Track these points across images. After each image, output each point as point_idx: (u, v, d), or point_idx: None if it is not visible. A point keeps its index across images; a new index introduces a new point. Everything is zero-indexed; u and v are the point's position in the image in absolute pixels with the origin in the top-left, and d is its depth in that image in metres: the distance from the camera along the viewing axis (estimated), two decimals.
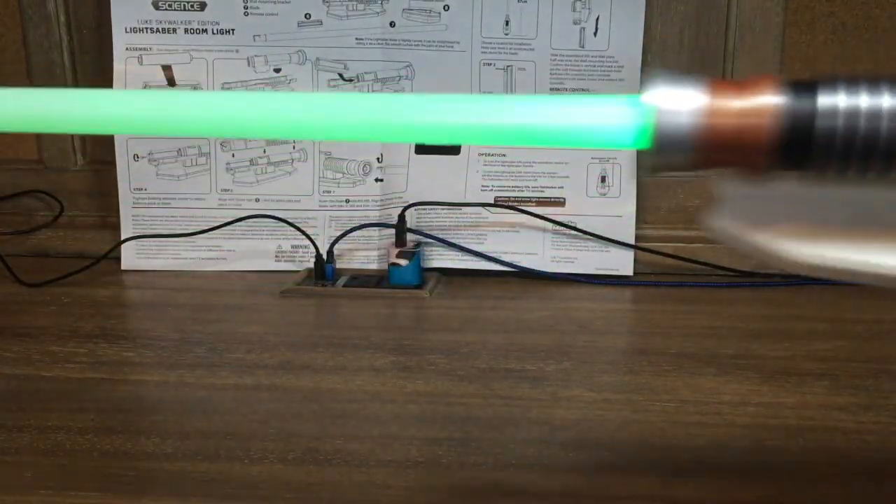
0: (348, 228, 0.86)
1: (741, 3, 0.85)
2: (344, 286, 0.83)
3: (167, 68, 0.89)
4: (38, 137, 0.96)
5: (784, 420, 0.54)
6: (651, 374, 0.62)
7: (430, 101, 0.36)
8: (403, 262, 0.82)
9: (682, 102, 0.29)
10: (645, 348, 0.67)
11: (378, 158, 0.89)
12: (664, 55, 0.87)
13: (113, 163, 0.91)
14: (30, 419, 0.56)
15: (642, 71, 0.86)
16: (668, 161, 0.29)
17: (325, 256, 0.84)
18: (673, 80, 0.29)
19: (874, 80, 0.28)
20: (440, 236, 0.87)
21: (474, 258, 0.87)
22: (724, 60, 0.86)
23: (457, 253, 0.87)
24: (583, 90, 0.87)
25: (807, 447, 0.50)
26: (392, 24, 0.87)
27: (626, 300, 0.80)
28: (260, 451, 0.51)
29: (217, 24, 0.88)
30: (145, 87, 0.89)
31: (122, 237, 0.91)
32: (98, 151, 0.96)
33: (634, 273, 0.85)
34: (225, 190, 0.90)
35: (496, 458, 0.50)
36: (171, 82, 0.89)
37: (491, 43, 0.87)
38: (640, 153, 0.30)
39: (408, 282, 0.82)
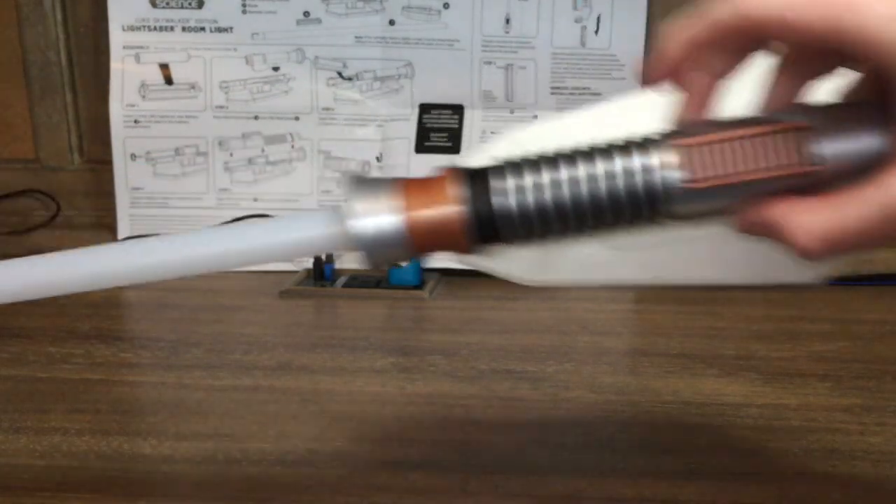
0: None
1: None
2: (343, 286, 0.82)
3: (165, 67, 0.89)
4: (35, 136, 0.96)
5: (787, 422, 0.53)
6: (653, 376, 0.61)
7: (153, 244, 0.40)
8: (403, 262, 0.82)
9: (381, 207, 0.33)
10: (647, 349, 0.67)
11: (377, 158, 0.89)
12: None
13: (110, 162, 0.90)
14: (26, 421, 0.55)
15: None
16: (387, 256, 0.34)
17: (324, 256, 0.84)
18: (372, 187, 0.33)
19: (535, 161, 0.33)
20: None
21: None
22: None
23: None
24: (584, 89, 0.86)
25: (809, 448, 0.50)
26: (392, 23, 0.87)
27: (627, 301, 0.80)
28: (258, 453, 0.51)
29: (215, 22, 0.88)
30: (143, 85, 0.89)
31: (120, 237, 0.90)
32: (95, 150, 0.95)
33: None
34: (223, 189, 0.90)
35: (497, 460, 0.49)
36: (169, 81, 0.89)
37: (491, 41, 0.86)
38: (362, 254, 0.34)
39: (408, 282, 0.82)
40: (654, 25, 0.86)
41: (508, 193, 0.32)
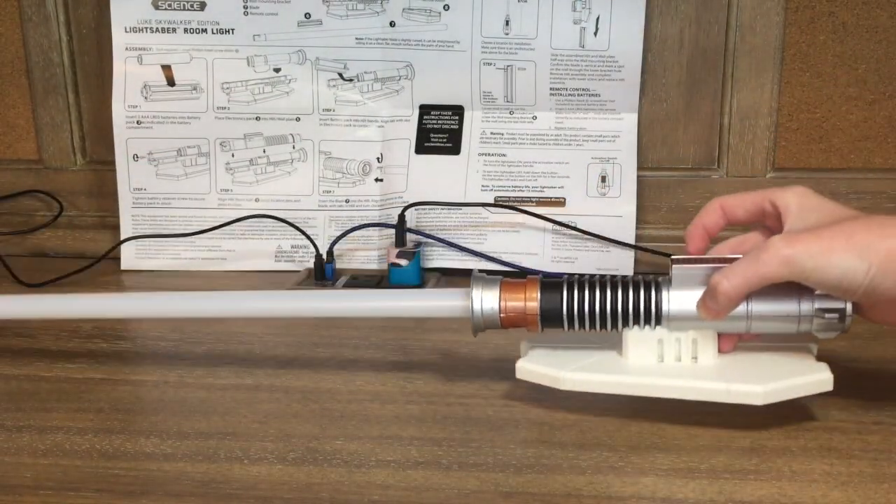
0: (348, 228, 0.86)
1: (741, 3, 0.85)
2: (344, 286, 0.83)
3: (167, 68, 0.89)
4: (38, 137, 0.96)
5: (785, 420, 0.54)
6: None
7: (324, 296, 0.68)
8: (403, 262, 0.82)
9: (489, 296, 0.55)
10: None
11: (378, 158, 0.89)
12: (664, 55, 0.87)
13: (112, 163, 0.91)
14: (29, 419, 0.56)
15: (643, 71, 0.86)
16: (489, 324, 0.56)
17: (324, 256, 0.84)
18: (486, 281, 0.56)
19: (587, 280, 0.55)
20: (440, 236, 0.87)
21: (474, 258, 0.87)
22: (724, 60, 0.86)
23: (457, 253, 0.87)
24: (583, 90, 0.87)
25: (807, 447, 0.50)
26: (392, 24, 0.87)
27: None
28: (259, 452, 0.51)
29: (217, 23, 0.88)
30: (145, 86, 0.89)
31: (122, 237, 0.91)
32: (98, 151, 0.96)
33: (635, 273, 0.85)
34: (224, 190, 0.90)
35: (496, 459, 0.50)
36: (171, 82, 0.89)
37: (491, 43, 0.87)
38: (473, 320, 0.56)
39: (408, 282, 0.82)
40: (652, 27, 0.86)
41: (564, 299, 0.54)
